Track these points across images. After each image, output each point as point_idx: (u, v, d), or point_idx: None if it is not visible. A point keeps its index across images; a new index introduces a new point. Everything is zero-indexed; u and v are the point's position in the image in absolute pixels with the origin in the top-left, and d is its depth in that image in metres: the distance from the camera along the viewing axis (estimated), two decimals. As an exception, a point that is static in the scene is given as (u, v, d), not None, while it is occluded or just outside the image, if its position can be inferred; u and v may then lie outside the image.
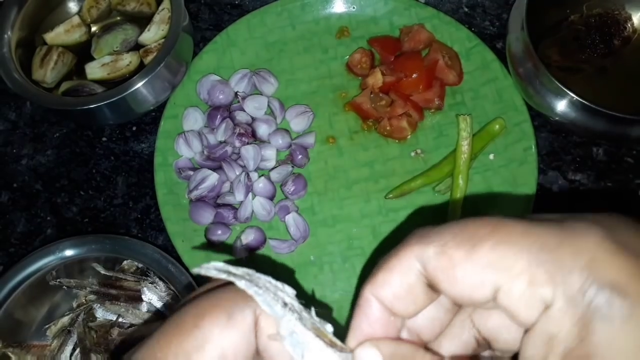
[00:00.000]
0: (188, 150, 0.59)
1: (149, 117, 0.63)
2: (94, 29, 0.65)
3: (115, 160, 0.62)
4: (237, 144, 0.58)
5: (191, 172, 0.57)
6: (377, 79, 0.60)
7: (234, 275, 0.22)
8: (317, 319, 0.22)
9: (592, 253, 0.19)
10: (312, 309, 0.23)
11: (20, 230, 0.60)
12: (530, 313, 0.19)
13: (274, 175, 0.58)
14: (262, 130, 0.59)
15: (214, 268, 0.22)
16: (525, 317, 0.20)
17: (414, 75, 0.59)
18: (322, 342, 0.22)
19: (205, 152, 0.58)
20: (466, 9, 0.66)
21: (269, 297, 0.22)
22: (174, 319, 0.22)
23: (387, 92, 0.60)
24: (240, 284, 0.22)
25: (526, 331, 0.20)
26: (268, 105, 0.60)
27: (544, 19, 0.59)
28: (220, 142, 0.59)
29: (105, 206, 0.61)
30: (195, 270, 0.22)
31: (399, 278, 0.22)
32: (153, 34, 0.62)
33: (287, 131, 0.60)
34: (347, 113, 0.61)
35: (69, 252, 0.51)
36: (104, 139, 0.63)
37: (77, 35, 0.63)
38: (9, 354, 0.51)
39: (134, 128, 0.63)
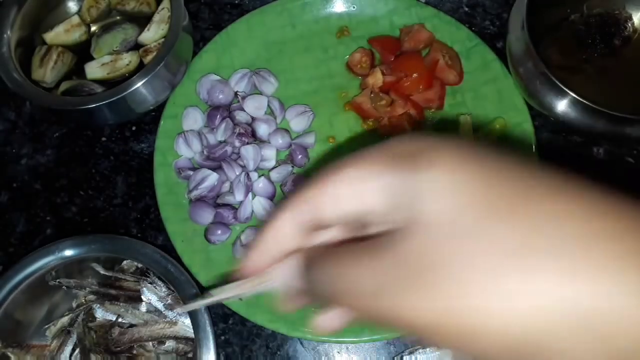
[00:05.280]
0: (188, 150, 0.59)
1: (149, 116, 0.63)
2: (93, 28, 0.65)
3: (114, 160, 0.62)
4: (237, 143, 0.58)
5: (191, 172, 0.57)
6: (377, 78, 0.59)
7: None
8: None
9: None
10: None
11: (19, 230, 0.60)
12: None
13: (274, 175, 0.58)
14: (262, 130, 0.59)
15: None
16: None
17: (414, 75, 0.59)
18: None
19: (205, 152, 0.58)
20: (466, 9, 0.66)
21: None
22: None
23: (387, 91, 0.60)
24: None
25: None
26: (268, 105, 0.60)
27: (544, 19, 0.59)
28: (220, 142, 0.59)
29: (104, 206, 0.61)
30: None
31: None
32: (153, 34, 0.62)
33: (287, 131, 0.60)
34: (347, 113, 0.61)
35: (68, 252, 0.51)
36: (104, 138, 0.63)
37: (76, 34, 0.63)
38: (9, 354, 0.50)
39: (134, 128, 0.63)
